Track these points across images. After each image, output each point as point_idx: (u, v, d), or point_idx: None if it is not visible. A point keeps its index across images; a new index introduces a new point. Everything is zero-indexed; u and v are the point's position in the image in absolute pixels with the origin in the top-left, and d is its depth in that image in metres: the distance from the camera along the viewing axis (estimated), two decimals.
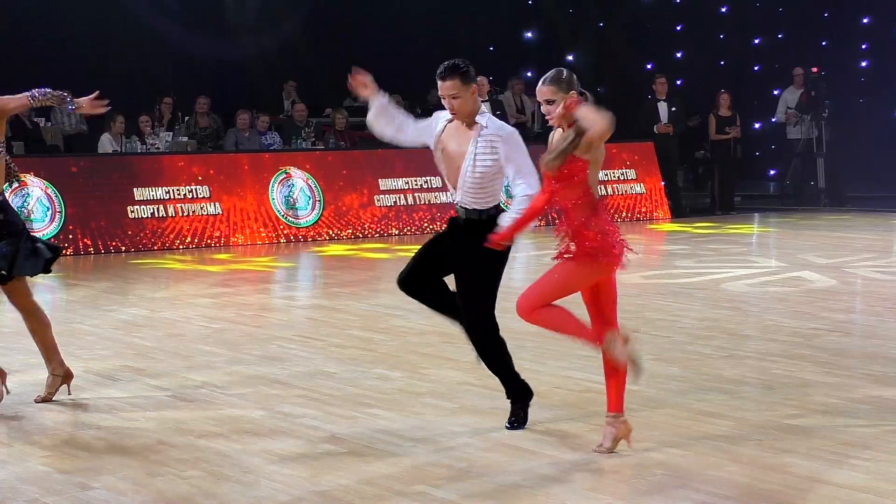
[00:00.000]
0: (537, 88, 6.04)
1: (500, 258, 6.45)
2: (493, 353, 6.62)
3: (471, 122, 6.47)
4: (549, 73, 6.03)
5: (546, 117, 6.06)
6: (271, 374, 8.16)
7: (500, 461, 6.05)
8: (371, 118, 6.79)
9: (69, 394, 7.51)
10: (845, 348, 8.82)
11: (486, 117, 6.47)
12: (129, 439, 6.56)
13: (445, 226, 6.69)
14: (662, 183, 19.97)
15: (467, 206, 6.50)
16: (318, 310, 11.22)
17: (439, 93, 6.44)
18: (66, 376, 7.55)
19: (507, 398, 6.69)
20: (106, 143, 17.28)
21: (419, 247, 6.73)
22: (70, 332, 9.82)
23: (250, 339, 9.49)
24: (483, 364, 6.69)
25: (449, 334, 9.38)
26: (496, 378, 6.75)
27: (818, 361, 8.34)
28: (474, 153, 6.38)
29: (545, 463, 6.01)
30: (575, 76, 6.06)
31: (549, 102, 5.97)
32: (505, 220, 6.32)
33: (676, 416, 6.87)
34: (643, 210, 19.71)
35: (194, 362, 8.60)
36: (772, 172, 23.45)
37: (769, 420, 6.77)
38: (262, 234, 16.63)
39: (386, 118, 6.76)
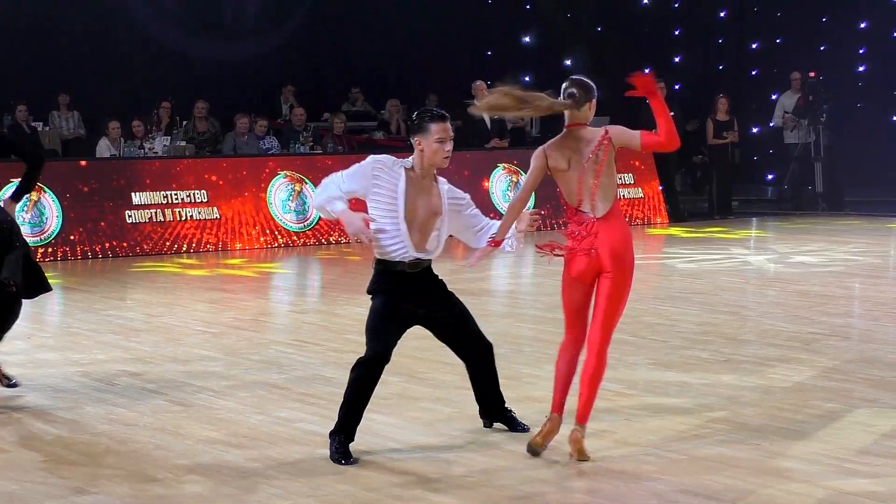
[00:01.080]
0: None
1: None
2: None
3: (430, 177, 6.44)
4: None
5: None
6: (269, 379, 8.15)
7: (498, 466, 6.05)
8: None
9: None
10: (843, 353, 8.82)
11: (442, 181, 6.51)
12: (126, 444, 6.55)
13: (387, 286, 6.42)
14: (660, 187, 19.97)
15: (422, 258, 6.43)
16: (317, 314, 11.22)
17: (440, 135, 6.29)
18: None
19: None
20: (104, 148, 17.27)
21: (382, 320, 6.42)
22: (68, 336, 9.82)
23: (248, 343, 9.49)
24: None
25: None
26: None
27: (816, 366, 8.34)
28: (446, 208, 6.43)
29: (542, 468, 6.00)
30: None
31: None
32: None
33: (675, 421, 6.86)
34: (641, 215, 19.71)
35: (192, 367, 8.59)
36: (770, 177, 23.43)
37: (767, 425, 6.77)
38: (261, 239, 16.62)
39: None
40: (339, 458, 6.11)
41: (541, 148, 6.20)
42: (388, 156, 6.44)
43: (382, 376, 7.65)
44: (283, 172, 17.02)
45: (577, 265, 6.13)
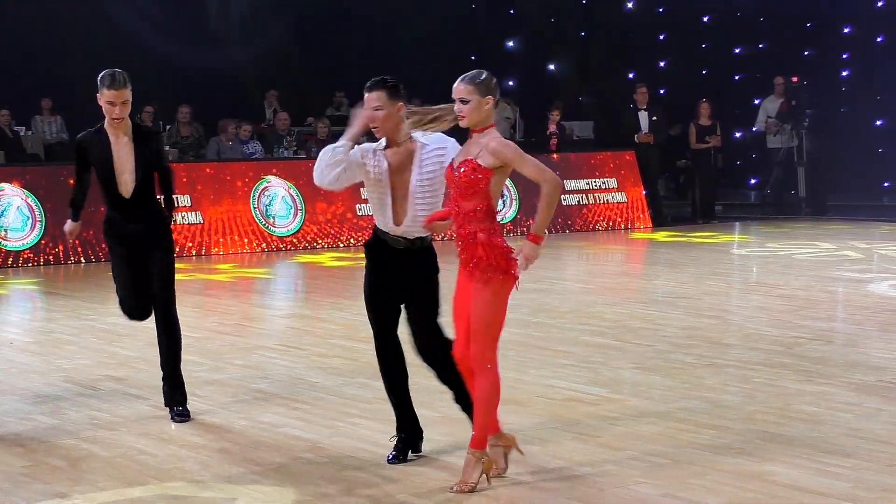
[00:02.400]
0: (454, 86, 5.88)
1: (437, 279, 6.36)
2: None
3: (401, 142, 6.25)
4: (469, 73, 5.90)
5: (458, 115, 5.87)
6: (253, 384, 8.14)
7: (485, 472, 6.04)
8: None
9: None
10: (826, 357, 8.84)
11: (421, 135, 6.23)
12: (109, 449, 6.54)
13: (371, 256, 6.44)
14: (644, 192, 20.01)
15: (410, 237, 6.28)
16: (300, 319, 11.21)
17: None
18: None
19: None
20: None
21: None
22: (50, 341, 9.79)
23: (232, 348, 9.47)
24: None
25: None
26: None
27: (799, 370, 8.36)
28: (419, 174, 6.20)
29: (526, 472, 6.00)
30: (495, 81, 5.94)
31: (462, 102, 5.83)
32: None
33: (658, 425, 6.87)
34: (624, 219, 19.74)
35: None
36: (753, 181, 23.51)
37: (750, 429, 6.79)
38: (244, 244, 16.60)
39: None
40: (388, 457, 6.26)
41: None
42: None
43: (366, 381, 7.62)
44: (266, 177, 17.00)
45: None
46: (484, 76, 5.88)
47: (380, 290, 6.40)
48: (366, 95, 6.25)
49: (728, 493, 5.63)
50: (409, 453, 6.32)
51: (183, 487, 5.81)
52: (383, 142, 6.29)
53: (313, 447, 6.51)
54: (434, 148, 6.21)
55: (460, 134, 5.95)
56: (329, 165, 6.17)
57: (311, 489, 5.77)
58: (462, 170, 5.75)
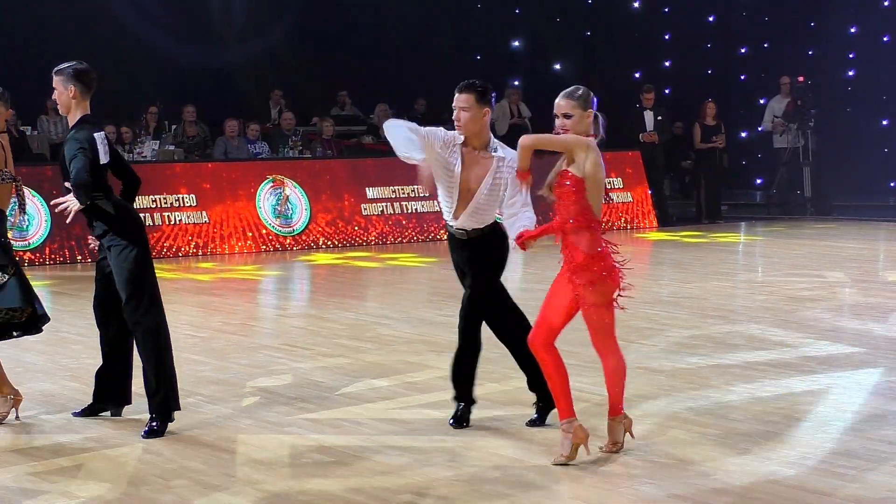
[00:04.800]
0: (556, 101, 6.16)
1: (503, 262, 6.90)
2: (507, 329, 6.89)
3: (482, 148, 6.76)
4: (568, 88, 6.20)
5: (561, 131, 6.16)
6: (258, 383, 8.15)
7: (487, 469, 6.05)
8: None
9: (17, 418, 7.24)
10: (832, 357, 8.84)
11: (499, 145, 6.80)
12: (115, 449, 6.54)
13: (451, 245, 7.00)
14: (649, 192, 20.00)
15: (468, 229, 6.79)
16: (306, 318, 11.21)
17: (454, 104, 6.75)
18: (16, 399, 7.23)
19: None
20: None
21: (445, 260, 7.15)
22: (57, 340, 9.79)
23: (237, 347, 9.48)
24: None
25: (436, 343, 9.38)
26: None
27: (805, 370, 8.35)
28: (490, 182, 6.71)
29: (531, 471, 6.01)
30: (591, 94, 6.21)
31: (566, 116, 6.13)
32: (524, 222, 6.54)
33: (663, 426, 6.87)
34: (630, 219, 19.73)
35: (181, 371, 8.51)
36: (758, 181, 23.50)
37: (756, 429, 6.78)
38: (250, 243, 16.61)
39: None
40: (450, 420, 6.84)
41: None
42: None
43: (371, 380, 7.64)
44: (271, 177, 17.01)
45: None
46: (582, 90, 6.19)
47: (456, 271, 7.04)
48: (455, 96, 6.74)
49: (734, 493, 5.62)
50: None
51: (188, 487, 5.81)
52: (462, 137, 6.76)
53: (319, 447, 6.51)
54: (510, 160, 6.69)
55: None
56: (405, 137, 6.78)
57: (316, 488, 5.77)
58: (566, 181, 6.08)
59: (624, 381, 6.25)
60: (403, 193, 17.92)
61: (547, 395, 6.56)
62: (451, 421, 6.86)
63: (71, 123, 7.04)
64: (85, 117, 7.00)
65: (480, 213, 6.77)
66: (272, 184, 16.95)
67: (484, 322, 6.89)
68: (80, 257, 15.33)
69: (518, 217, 6.62)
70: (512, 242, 6.52)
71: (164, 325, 6.93)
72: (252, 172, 17.02)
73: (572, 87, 6.19)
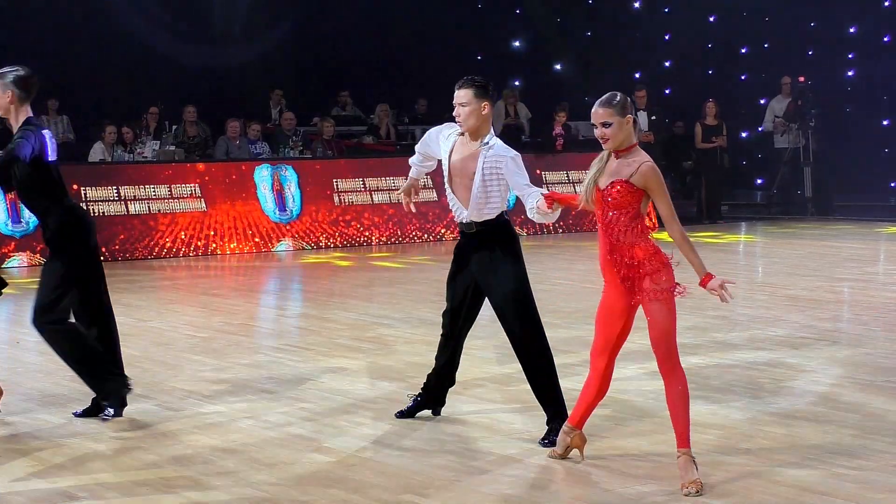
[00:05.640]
0: (593, 111, 5.98)
1: (520, 259, 6.76)
2: (544, 364, 6.74)
3: (478, 141, 6.78)
4: (604, 96, 5.99)
5: (601, 140, 6.00)
6: (258, 384, 8.15)
7: (485, 470, 6.05)
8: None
9: None
10: (832, 357, 8.83)
11: (491, 137, 6.78)
12: (115, 448, 6.54)
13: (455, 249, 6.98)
14: None
15: (476, 220, 6.76)
16: (306, 318, 11.21)
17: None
18: None
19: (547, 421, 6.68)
20: (98, 151, 17.28)
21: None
22: None
23: (238, 347, 9.48)
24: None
25: (436, 343, 9.36)
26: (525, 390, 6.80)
27: (805, 370, 8.35)
28: (482, 172, 6.69)
29: (532, 472, 6.01)
30: (629, 100, 6.06)
31: (605, 125, 5.94)
32: (538, 194, 6.52)
33: (664, 426, 6.85)
34: None
35: (181, 371, 8.58)
36: (759, 181, 23.49)
37: (756, 429, 6.78)
38: (251, 243, 16.61)
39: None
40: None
41: None
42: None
43: (372, 380, 7.64)
44: (272, 176, 17.01)
45: None
46: (619, 97, 6.00)
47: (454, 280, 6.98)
48: (455, 92, 6.79)
49: (734, 493, 5.62)
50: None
51: (189, 486, 5.81)
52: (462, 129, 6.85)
53: (319, 447, 6.51)
54: (494, 154, 6.69)
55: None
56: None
57: (317, 488, 5.77)
58: (617, 188, 6.03)
59: (688, 407, 6.01)
60: None
61: (555, 413, 6.57)
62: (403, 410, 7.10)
63: (15, 128, 7.15)
64: (29, 119, 7.18)
65: (480, 206, 6.71)
66: (273, 183, 16.95)
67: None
68: None
69: (532, 193, 6.56)
70: (533, 206, 6.46)
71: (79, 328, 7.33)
72: (253, 172, 17.01)
73: (608, 95, 5.96)
